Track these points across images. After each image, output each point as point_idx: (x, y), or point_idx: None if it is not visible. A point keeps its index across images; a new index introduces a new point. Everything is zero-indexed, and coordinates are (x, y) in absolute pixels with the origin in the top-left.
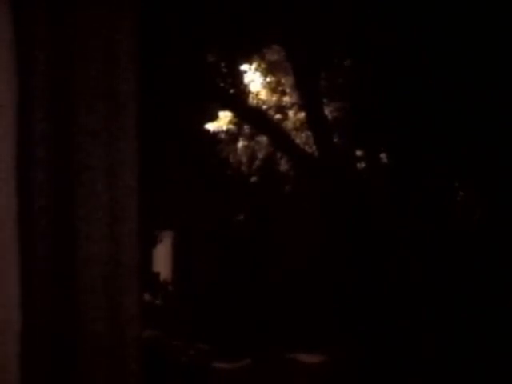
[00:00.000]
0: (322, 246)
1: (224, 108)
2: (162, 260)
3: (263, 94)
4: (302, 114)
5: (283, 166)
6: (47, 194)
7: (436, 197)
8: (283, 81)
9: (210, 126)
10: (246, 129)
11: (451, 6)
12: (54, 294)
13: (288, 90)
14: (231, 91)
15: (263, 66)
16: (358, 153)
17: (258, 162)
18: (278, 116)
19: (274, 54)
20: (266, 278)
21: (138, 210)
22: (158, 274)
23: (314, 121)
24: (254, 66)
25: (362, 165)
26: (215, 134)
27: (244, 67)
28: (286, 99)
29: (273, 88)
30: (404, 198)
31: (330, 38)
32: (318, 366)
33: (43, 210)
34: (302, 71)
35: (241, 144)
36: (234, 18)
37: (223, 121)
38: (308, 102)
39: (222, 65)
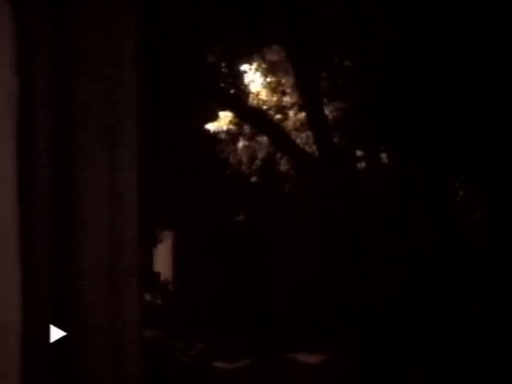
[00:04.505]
0: (322, 246)
1: (224, 108)
2: (163, 260)
3: (263, 94)
4: (303, 114)
5: (283, 166)
6: (47, 195)
7: (436, 197)
8: (283, 81)
9: (211, 126)
10: (247, 129)
11: (452, 6)
12: (55, 295)
13: (288, 90)
14: (231, 91)
15: (263, 66)
16: (358, 153)
17: (258, 162)
18: (278, 116)
19: (275, 54)
20: (265, 277)
21: (139, 209)
22: (158, 274)
23: (315, 121)
24: (254, 66)
25: (362, 165)
26: (215, 134)
27: (244, 67)
28: (287, 99)
29: (273, 88)
30: (404, 197)
31: (330, 38)
32: (317, 366)
33: (44, 211)
34: (302, 71)
35: (241, 144)
36: (234, 18)
37: (223, 121)
38: (308, 102)
39: (222, 65)
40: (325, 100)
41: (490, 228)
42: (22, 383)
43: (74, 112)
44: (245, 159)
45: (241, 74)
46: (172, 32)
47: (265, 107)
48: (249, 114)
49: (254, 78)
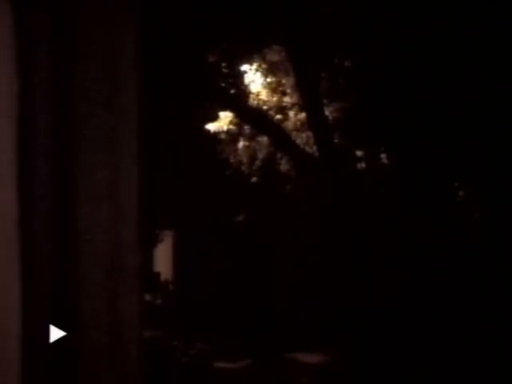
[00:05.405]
0: (322, 246)
1: (224, 108)
2: (163, 260)
3: (264, 95)
4: (303, 115)
5: (284, 166)
6: (47, 195)
7: (436, 197)
8: (284, 81)
9: (211, 127)
10: (247, 129)
11: (452, 6)
12: (55, 295)
13: (288, 91)
14: (232, 91)
15: (264, 66)
16: (358, 153)
17: (258, 163)
18: (278, 116)
19: (275, 55)
20: (265, 277)
21: (139, 209)
22: (158, 274)
23: (315, 121)
24: (254, 66)
25: (362, 165)
26: (216, 134)
27: (244, 67)
28: (287, 100)
29: (273, 88)
30: (404, 197)
31: (330, 38)
32: (318, 366)
33: (44, 211)
34: (302, 71)
35: (241, 144)
36: (234, 18)
37: (224, 121)
38: (308, 102)
39: (223, 65)
40: (325, 100)
41: (489, 228)
42: (22, 383)
43: (74, 112)
44: (245, 159)
45: (241, 75)
46: (172, 32)
47: (265, 107)
48: (249, 115)
49: (254, 79)
